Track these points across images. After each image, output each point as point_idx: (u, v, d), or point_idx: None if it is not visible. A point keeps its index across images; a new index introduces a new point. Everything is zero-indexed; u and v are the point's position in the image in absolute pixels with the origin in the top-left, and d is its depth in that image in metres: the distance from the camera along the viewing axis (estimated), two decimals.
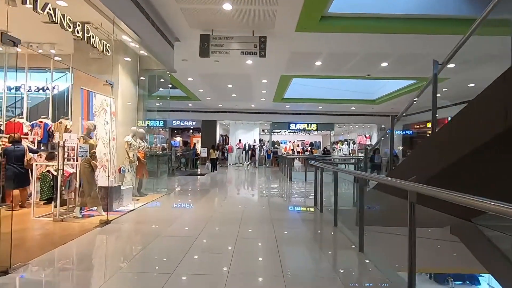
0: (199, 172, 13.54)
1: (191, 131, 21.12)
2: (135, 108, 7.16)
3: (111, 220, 4.59)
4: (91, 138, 4.95)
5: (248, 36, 6.74)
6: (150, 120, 9.55)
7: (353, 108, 16.83)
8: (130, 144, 6.36)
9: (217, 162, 15.05)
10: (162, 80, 12.42)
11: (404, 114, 4.87)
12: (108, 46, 4.87)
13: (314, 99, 15.37)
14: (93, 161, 4.83)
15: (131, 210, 5.45)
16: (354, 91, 15.26)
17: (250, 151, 18.17)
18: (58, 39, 6.44)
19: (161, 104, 17.03)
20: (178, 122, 18.55)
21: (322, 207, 5.62)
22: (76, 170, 5.01)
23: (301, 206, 6.56)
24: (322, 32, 6.68)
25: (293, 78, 11.42)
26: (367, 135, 19.24)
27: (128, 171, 6.32)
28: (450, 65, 8.75)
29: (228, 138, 20.06)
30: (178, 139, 20.84)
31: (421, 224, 5.36)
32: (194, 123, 18.56)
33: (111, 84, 4.86)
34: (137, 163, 6.67)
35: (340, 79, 17.94)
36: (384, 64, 8.86)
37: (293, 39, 7.09)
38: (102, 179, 5.60)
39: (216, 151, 14.90)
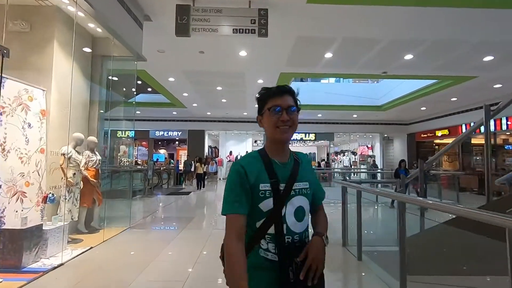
0: (183, 190, 11.34)
1: (176, 142, 18.94)
2: (84, 105, 5.07)
3: None
4: None
5: (244, 8, 4.83)
6: (109, 129, 7.40)
7: (355, 115, 15.12)
8: (70, 157, 4.23)
9: (206, 177, 12.88)
10: (139, 81, 10.40)
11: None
12: None
13: (313, 105, 13.54)
14: None
15: (56, 267, 3.28)
16: (358, 96, 13.58)
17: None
18: None
19: (138, 113, 14.86)
20: (161, 133, 16.37)
21: (360, 253, 3.60)
22: None
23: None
24: (343, 4, 4.84)
25: (292, 78, 9.58)
26: (369, 145, 17.52)
27: (65, 199, 4.16)
28: (487, 58, 7.09)
29: (218, 150, 17.99)
30: (163, 151, 18.61)
31: None
32: (179, 133, 16.41)
33: (3, 52, 2.79)
34: (82, 186, 4.53)
35: (344, 83, 16.32)
36: (409, 56, 7.09)
37: (303, 15, 5.21)
38: (15, 215, 3.46)
39: (203, 164, 12.66)
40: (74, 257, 3.59)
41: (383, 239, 4.51)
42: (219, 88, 10.20)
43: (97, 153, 4.91)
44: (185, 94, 11.19)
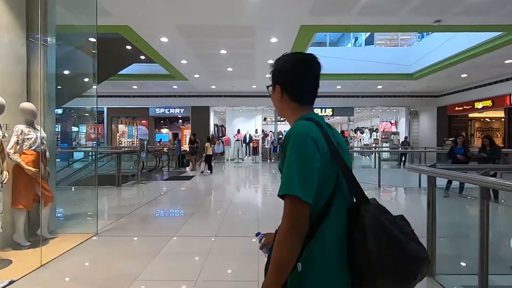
0: (185, 174, 9.79)
1: (180, 121, 17.27)
2: (18, 62, 3.32)
3: None
4: None
5: None
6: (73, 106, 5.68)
7: (379, 87, 13.04)
8: None
9: (213, 159, 11.04)
10: (128, 46, 8.57)
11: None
12: None
13: (331, 74, 11.55)
14: None
15: None
16: (386, 62, 11.45)
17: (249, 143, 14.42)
18: None
19: (135, 87, 12.98)
20: (162, 110, 14.66)
21: None
22: None
23: None
24: None
25: (314, 35, 7.58)
26: (393, 121, 15.49)
27: None
28: None
29: (225, 128, 16.28)
30: (165, 131, 17.01)
31: None
32: (182, 110, 14.67)
33: None
34: (5, 177, 2.89)
35: (368, 47, 14.06)
36: None
37: None
38: None
39: (212, 144, 10.80)
40: None
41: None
42: (223, 51, 8.30)
43: (39, 127, 3.22)
44: (184, 62, 9.32)
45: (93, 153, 9.09)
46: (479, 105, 11.96)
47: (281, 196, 0.80)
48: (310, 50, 10.00)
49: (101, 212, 4.58)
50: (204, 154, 10.08)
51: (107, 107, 14.61)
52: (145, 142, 7.86)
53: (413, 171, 2.55)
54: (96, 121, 13.92)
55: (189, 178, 8.66)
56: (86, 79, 4.59)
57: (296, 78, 0.93)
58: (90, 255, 3.03)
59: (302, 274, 0.79)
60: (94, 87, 4.28)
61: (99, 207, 4.82)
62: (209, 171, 9.87)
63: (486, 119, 15.27)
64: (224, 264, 2.81)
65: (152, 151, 12.19)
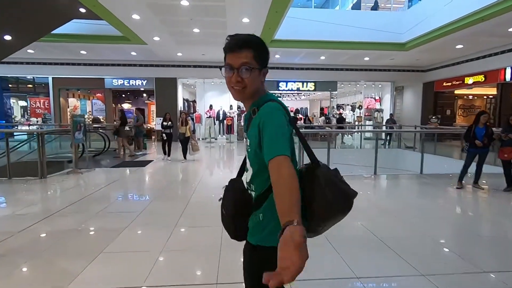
0: (142, 159, 8.04)
1: (144, 95, 15.06)
2: None
3: None
4: None
5: None
6: None
7: (366, 58, 11.69)
8: None
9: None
10: None
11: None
12: None
13: (316, 42, 10.01)
14: None
15: None
16: (376, 29, 10.01)
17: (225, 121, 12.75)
18: None
19: (83, 53, 10.55)
20: (120, 81, 12.41)
21: None
22: None
23: None
24: None
25: None
26: (377, 98, 14.39)
27: None
28: None
29: (195, 103, 14.40)
30: (127, 106, 14.78)
31: None
32: (144, 82, 12.52)
33: None
34: None
35: (357, 12, 12.51)
36: None
37: None
38: None
39: (183, 124, 7.56)
40: None
41: None
42: (184, 2, 6.39)
43: None
44: (136, 17, 7.26)
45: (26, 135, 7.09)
46: (469, 80, 11.03)
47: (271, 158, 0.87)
48: (292, 11, 8.32)
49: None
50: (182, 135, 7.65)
51: (52, 77, 12.12)
52: (81, 119, 5.97)
53: None
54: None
55: (144, 164, 6.96)
56: None
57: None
58: None
59: (263, 222, 0.98)
60: None
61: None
62: (167, 156, 7.70)
63: (469, 96, 14.65)
64: None
65: (110, 129, 10.23)
